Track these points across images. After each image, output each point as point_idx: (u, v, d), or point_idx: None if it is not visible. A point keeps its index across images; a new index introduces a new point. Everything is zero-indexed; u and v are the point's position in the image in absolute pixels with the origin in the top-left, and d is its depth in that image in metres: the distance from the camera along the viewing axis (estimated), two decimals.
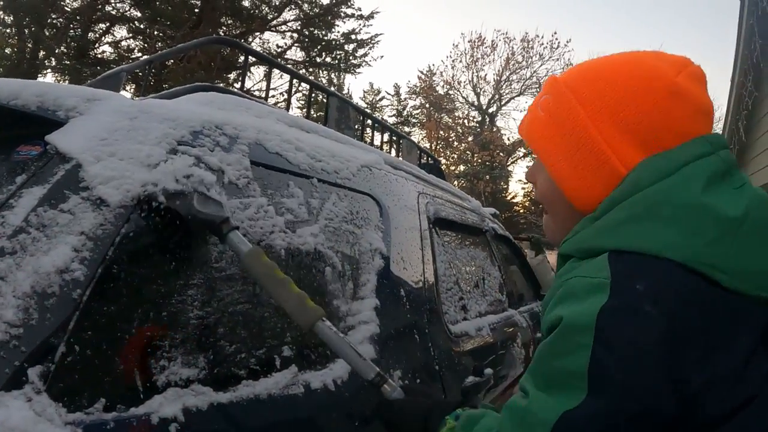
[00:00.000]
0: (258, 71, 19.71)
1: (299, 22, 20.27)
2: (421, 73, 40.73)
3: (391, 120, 40.78)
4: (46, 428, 1.06)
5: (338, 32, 21.11)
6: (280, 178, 1.90)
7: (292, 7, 19.68)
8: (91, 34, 17.69)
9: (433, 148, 36.82)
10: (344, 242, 2.09)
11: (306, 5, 19.84)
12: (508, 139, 37.50)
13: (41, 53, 16.72)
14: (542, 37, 45.85)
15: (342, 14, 20.33)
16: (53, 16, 16.29)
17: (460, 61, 40.23)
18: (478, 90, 38.16)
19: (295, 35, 20.65)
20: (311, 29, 20.56)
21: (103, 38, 18.22)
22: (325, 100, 3.59)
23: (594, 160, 1.25)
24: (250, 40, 19.56)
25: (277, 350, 1.64)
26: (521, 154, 37.33)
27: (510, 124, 39.23)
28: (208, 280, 1.52)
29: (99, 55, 17.95)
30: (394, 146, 5.07)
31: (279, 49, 20.59)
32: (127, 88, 13.01)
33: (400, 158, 4.06)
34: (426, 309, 2.47)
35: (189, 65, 15.44)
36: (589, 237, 1.23)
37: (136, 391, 1.28)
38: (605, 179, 1.25)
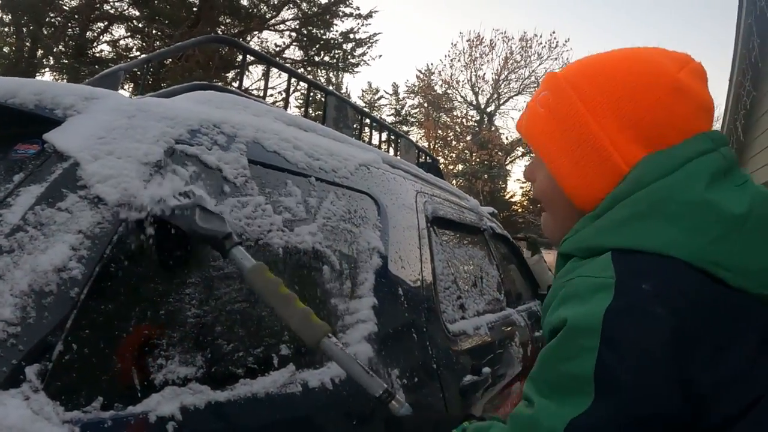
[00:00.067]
0: (256, 70, 19.75)
1: (298, 21, 20.28)
2: (420, 72, 40.88)
3: (390, 119, 40.78)
4: (43, 427, 1.06)
5: (336, 31, 21.16)
6: (278, 176, 1.90)
7: (291, 6, 19.69)
8: (89, 33, 17.70)
9: (432, 147, 36.84)
10: (342, 241, 2.09)
11: (304, 4, 19.86)
12: (507, 138, 37.55)
13: (39, 52, 16.74)
14: (540, 37, 46.08)
15: (340, 13, 20.35)
16: (51, 15, 16.30)
17: (459, 61, 40.53)
18: (477, 89, 38.18)
19: (294, 34, 20.68)
20: (309, 28, 20.58)
21: (101, 37, 18.23)
22: (323, 99, 3.59)
23: (596, 157, 1.23)
24: (249, 39, 19.56)
25: (275, 349, 1.64)
26: (519, 154, 37.35)
27: (508, 124, 39.27)
28: (206, 278, 1.52)
29: (97, 54, 17.96)
30: (393, 145, 5.07)
31: (277, 48, 20.62)
32: (126, 87, 13.02)
33: (398, 157, 4.05)
34: (424, 308, 2.47)
35: (187, 64, 15.43)
36: (591, 235, 1.21)
37: (133, 390, 1.28)
38: (607, 176, 1.23)
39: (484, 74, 49.39)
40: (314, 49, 21.17)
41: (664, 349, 0.99)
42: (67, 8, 16.46)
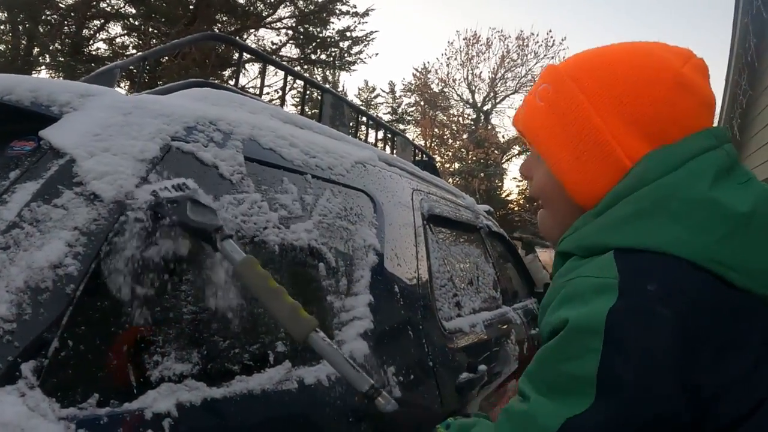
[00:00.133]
0: (253, 68, 19.74)
1: (294, 19, 20.30)
2: (416, 70, 40.88)
3: (386, 117, 40.77)
4: (39, 423, 1.05)
5: (333, 29, 21.20)
6: (274, 174, 1.90)
7: (287, 3, 19.71)
8: (85, 31, 17.70)
9: (428, 145, 36.81)
10: (338, 238, 2.09)
11: (301, 2, 19.89)
12: (503, 136, 37.56)
13: (35, 50, 16.72)
14: (537, 35, 45.86)
15: (337, 11, 20.39)
16: (47, 13, 16.29)
17: (455, 59, 40.39)
18: (473, 88, 38.18)
19: (290, 32, 20.71)
20: (306, 26, 20.61)
21: (97, 35, 18.23)
22: (319, 97, 3.59)
23: (598, 152, 1.21)
24: (245, 36, 19.55)
25: (271, 346, 1.64)
26: (516, 152, 37.34)
27: (505, 122, 39.25)
28: (202, 275, 1.52)
29: (93, 52, 17.97)
30: (389, 143, 5.07)
31: (274, 46, 20.63)
32: (122, 85, 13.01)
33: (395, 155, 4.06)
34: (420, 305, 2.47)
35: (184, 62, 15.43)
36: (592, 233, 1.18)
37: (129, 387, 1.28)
38: (609, 172, 1.20)
39: (481, 72, 49.23)
40: (311, 47, 21.20)
41: (668, 351, 0.98)
42: (63, 6, 16.46)
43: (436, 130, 37.95)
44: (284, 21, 20.37)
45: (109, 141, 1.46)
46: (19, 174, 1.36)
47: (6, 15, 16.13)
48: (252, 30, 19.91)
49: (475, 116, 38.70)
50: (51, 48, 16.44)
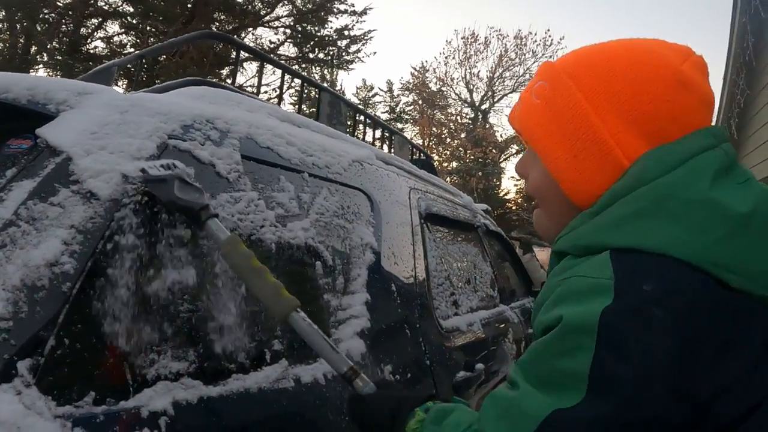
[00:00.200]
0: (251, 67, 19.74)
1: (292, 18, 20.29)
2: (414, 69, 40.68)
3: (384, 116, 40.72)
4: (35, 421, 1.05)
5: (331, 28, 21.19)
6: (271, 172, 1.90)
7: (285, 2, 19.70)
8: (83, 30, 17.68)
9: (426, 144, 36.79)
10: (335, 237, 2.09)
11: (299, 1, 19.87)
12: (501, 135, 37.52)
13: (33, 48, 16.69)
14: (535, 35, 45.79)
15: (335, 10, 20.38)
16: (45, 12, 16.26)
17: (453, 58, 40.34)
18: (471, 87, 38.15)
19: (288, 31, 20.69)
20: (304, 25, 20.60)
21: (95, 33, 18.21)
22: (317, 96, 3.59)
23: (596, 151, 1.18)
24: (243, 35, 19.55)
25: (268, 344, 1.64)
26: (514, 151, 37.27)
27: (503, 121, 39.07)
28: (199, 273, 1.52)
29: (91, 51, 17.94)
30: (387, 142, 5.08)
31: (272, 45, 20.61)
32: (120, 83, 13.00)
33: (392, 154, 4.06)
34: (417, 304, 2.48)
35: (181, 61, 15.43)
36: (589, 233, 1.15)
37: (125, 385, 1.28)
38: (607, 171, 1.17)
39: (479, 72, 49.31)
40: (309, 46, 21.19)
41: (663, 353, 0.96)
42: (60, 4, 16.42)
43: (434, 129, 37.93)
44: (282, 20, 20.36)
45: (106, 139, 1.47)
46: (15, 172, 1.37)
47: (4, 13, 16.11)
48: (250, 29, 19.90)
49: (473, 115, 38.67)
50: (49, 46, 16.43)
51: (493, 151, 35.78)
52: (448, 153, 37.94)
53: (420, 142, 36.43)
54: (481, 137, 35.19)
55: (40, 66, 16.96)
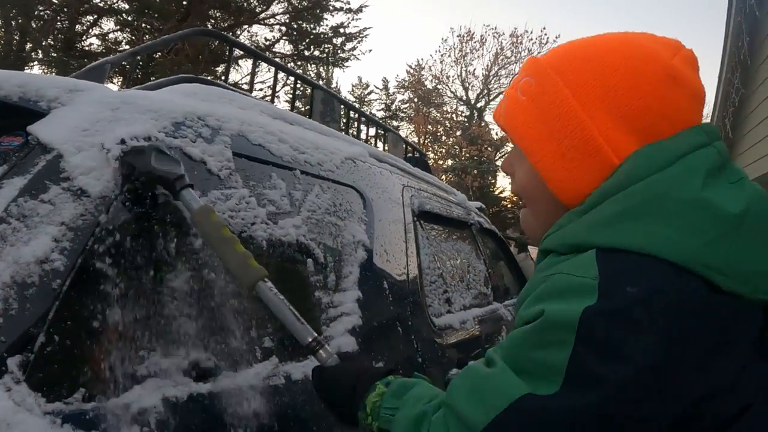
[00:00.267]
0: (246, 64, 19.68)
1: (287, 15, 20.29)
2: (410, 67, 40.71)
3: (380, 114, 40.64)
4: (25, 418, 1.06)
5: (327, 26, 21.20)
6: (263, 169, 1.90)
7: None
8: (78, 27, 17.65)
9: (422, 142, 36.78)
10: (327, 234, 2.09)
11: None
12: (496, 134, 37.33)
13: (28, 45, 16.65)
14: (531, 33, 45.58)
15: (330, 7, 20.38)
16: (40, 8, 16.24)
17: (449, 56, 40.26)
18: (467, 85, 38.12)
19: (284, 28, 20.67)
20: (299, 22, 20.60)
21: (90, 30, 18.18)
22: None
23: (584, 149, 1.14)
24: (239, 33, 19.54)
25: (259, 341, 1.64)
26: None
27: None
28: (189, 271, 1.52)
29: (86, 48, 17.92)
30: (381, 140, 5.08)
31: (267, 42, 20.59)
32: (115, 81, 12.98)
33: (386, 151, 4.06)
34: (409, 301, 2.48)
35: (176, 58, 15.42)
36: (577, 232, 1.12)
37: (115, 382, 1.28)
38: (595, 170, 1.14)
39: (475, 70, 49.36)
40: (304, 43, 21.20)
41: (644, 356, 0.94)
42: (56, 1, 16.40)
43: (429, 126, 37.91)
44: (278, 17, 20.36)
45: (97, 136, 1.47)
46: (6, 169, 1.36)
47: None
48: (245, 26, 19.90)
49: (468, 113, 38.63)
50: (44, 43, 16.40)
51: (489, 149, 35.70)
52: (444, 151, 37.93)
53: (415, 140, 36.43)
54: (477, 135, 35.15)
55: (35, 63, 16.96)
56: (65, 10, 16.65)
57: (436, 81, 38.38)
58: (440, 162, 36.10)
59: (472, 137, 35.02)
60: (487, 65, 37.29)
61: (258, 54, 3.27)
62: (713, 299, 0.99)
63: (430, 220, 3.35)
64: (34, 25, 16.10)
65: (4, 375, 1.08)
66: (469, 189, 30.77)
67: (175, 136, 1.62)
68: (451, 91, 38.54)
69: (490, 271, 4.24)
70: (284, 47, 21.34)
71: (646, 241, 1.02)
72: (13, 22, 16.22)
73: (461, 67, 37.91)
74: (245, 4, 19.18)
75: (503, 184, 37.56)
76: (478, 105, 38.26)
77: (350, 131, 4.42)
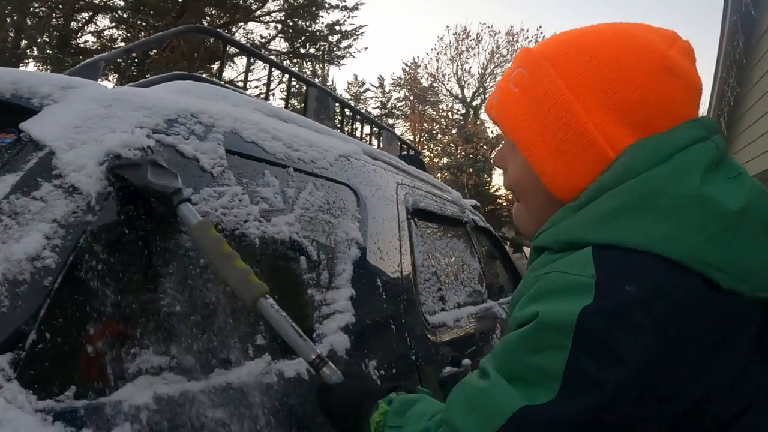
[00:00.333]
0: (242, 62, 19.70)
1: (283, 13, 20.29)
2: (406, 65, 40.80)
3: (376, 112, 40.71)
4: (16, 415, 1.05)
5: (322, 23, 21.21)
6: (256, 167, 1.89)
7: None
8: (73, 24, 17.63)
9: (417, 140, 36.82)
10: (320, 232, 2.09)
11: None
12: (492, 132, 37.41)
13: (23, 42, 16.62)
14: (527, 31, 45.56)
15: (326, 5, 20.38)
16: (35, 5, 16.21)
17: (445, 54, 40.49)
18: (463, 83, 38.21)
19: (279, 26, 20.66)
20: (295, 20, 20.59)
21: (85, 27, 18.16)
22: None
23: (579, 142, 1.12)
24: (234, 30, 19.52)
25: (251, 339, 1.64)
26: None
27: None
28: (181, 268, 1.51)
29: (81, 45, 17.90)
30: (376, 137, 5.08)
31: (263, 40, 20.58)
32: (110, 78, 12.96)
33: (381, 149, 4.06)
34: (403, 299, 2.48)
35: (172, 55, 15.41)
36: (572, 228, 1.10)
37: (107, 379, 1.27)
38: (590, 164, 1.11)
39: (470, 68, 49.56)
40: (300, 40, 21.20)
41: (643, 357, 0.92)
42: None
43: (425, 124, 37.98)
44: (273, 14, 20.36)
45: (89, 133, 1.46)
46: None
47: None
48: (241, 23, 19.89)
49: (464, 111, 38.71)
50: (39, 41, 16.37)
51: (484, 147, 35.71)
52: (439, 149, 37.98)
53: (411, 138, 36.45)
54: (472, 133, 35.19)
55: (30, 60, 16.91)
56: (60, 7, 16.64)
57: (432, 79, 38.53)
58: (436, 160, 36.14)
59: (467, 135, 35.07)
60: (483, 63, 37.49)
61: (252, 51, 3.27)
62: (712, 297, 0.97)
63: (424, 218, 3.35)
64: (30, 22, 16.06)
65: None
66: (465, 187, 30.78)
67: (168, 133, 1.62)
68: (447, 89, 38.67)
69: (484, 268, 4.24)
70: (280, 45, 21.37)
71: (644, 238, 1.00)
72: (8, 19, 16.17)
73: (457, 65, 38.11)
74: (241, 1, 19.17)
75: (499, 182, 37.57)
76: (474, 103, 38.36)
77: (345, 129, 4.42)
